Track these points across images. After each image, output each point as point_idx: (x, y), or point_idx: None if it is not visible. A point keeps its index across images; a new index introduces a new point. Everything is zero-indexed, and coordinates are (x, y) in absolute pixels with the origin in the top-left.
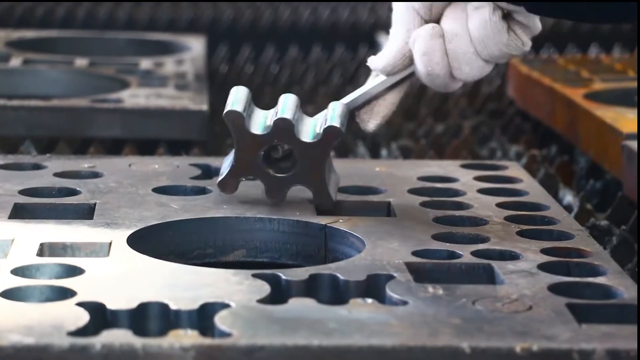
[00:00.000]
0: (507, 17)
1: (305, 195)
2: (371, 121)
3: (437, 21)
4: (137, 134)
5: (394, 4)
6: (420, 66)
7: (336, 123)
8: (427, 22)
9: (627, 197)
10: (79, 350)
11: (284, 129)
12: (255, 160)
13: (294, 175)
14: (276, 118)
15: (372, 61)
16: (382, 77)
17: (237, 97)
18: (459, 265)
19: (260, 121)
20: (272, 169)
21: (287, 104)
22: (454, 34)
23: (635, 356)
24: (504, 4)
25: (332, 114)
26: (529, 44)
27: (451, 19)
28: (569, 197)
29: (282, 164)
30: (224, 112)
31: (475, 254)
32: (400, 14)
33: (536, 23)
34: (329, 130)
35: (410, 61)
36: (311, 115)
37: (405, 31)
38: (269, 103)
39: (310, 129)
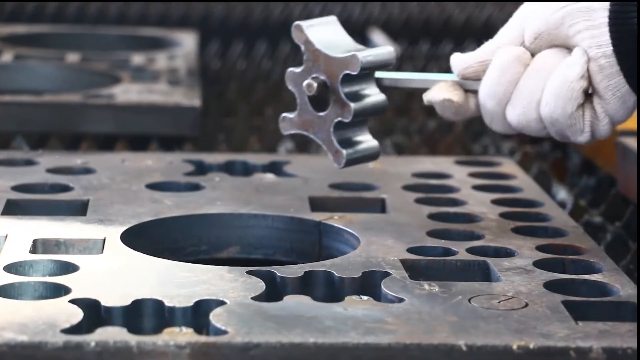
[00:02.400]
0: (589, 95)
1: (301, 192)
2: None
3: (534, 54)
4: (129, 130)
5: (507, 23)
6: (486, 78)
7: (359, 55)
8: (526, 48)
9: (621, 193)
10: (73, 347)
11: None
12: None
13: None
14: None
15: (453, 57)
16: (451, 76)
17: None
18: (455, 262)
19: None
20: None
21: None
22: (535, 72)
23: (632, 354)
24: (597, 79)
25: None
26: (587, 137)
27: (543, 58)
28: (562, 194)
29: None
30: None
31: (470, 250)
32: (506, 29)
33: (607, 126)
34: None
35: (482, 72)
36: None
37: (499, 42)
38: (261, 99)
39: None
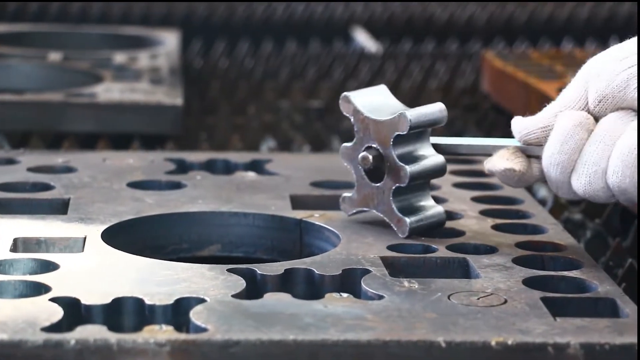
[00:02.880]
0: None
1: (282, 190)
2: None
3: (598, 118)
4: (111, 129)
5: (570, 82)
6: (548, 145)
7: (407, 114)
8: (589, 111)
9: None
10: (53, 346)
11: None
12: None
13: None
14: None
15: (514, 121)
16: (512, 141)
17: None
18: (434, 260)
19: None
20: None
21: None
22: (600, 139)
23: (609, 349)
24: None
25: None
26: None
27: (609, 123)
28: (542, 191)
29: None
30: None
31: (450, 248)
32: (569, 90)
33: None
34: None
35: (545, 138)
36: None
37: (562, 105)
38: (243, 98)
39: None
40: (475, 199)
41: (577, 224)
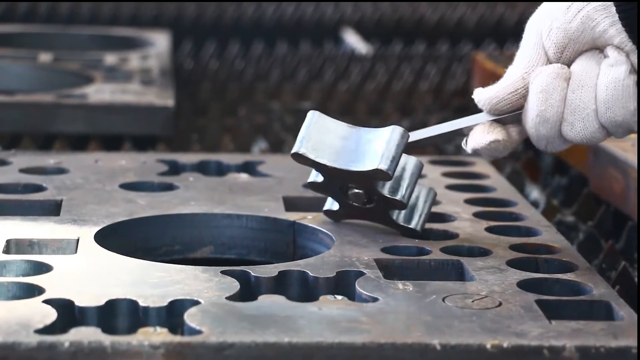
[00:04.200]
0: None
1: (275, 192)
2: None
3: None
4: (102, 130)
5: (522, 43)
6: (532, 105)
7: (383, 166)
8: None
9: (593, 193)
10: (47, 348)
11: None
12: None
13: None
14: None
15: (478, 93)
16: (483, 116)
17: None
18: (428, 262)
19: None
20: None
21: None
22: (580, 84)
23: (605, 352)
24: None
25: (387, 152)
26: None
27: (582, 66)
28: (535, 193)
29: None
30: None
31: (444, 250)
32: (525, 50)
33: None
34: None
35: (520, 101)
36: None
37: (525, 67)
38: (233, 99)
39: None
40: (469, 201)
41: (570, 226)
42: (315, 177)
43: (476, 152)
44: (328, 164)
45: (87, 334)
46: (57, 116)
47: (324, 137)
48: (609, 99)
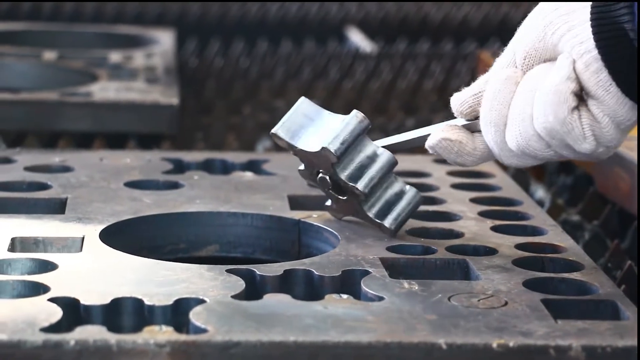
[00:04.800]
0: (581, 98)
1: (280, 191)
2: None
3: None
4: (107, 128)
5: (503, 51)
6: (482, 108)
7: (331, 146)
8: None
9: (599, 192)
10: (53, 346)
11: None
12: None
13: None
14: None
15: (453, 97)
16: (456, 121)
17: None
18: (434, 261)
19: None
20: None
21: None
22: (524, 88)
23: (611, 352)
24: (584, 77)
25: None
26: (591, 144)
27: (533, 72)
28: (540, 192)
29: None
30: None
31: (449, 249)
32: (501, 57)
33: (610, 128)
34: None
35: (478, 104)
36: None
37: (492, 70)
38: (238, 98)
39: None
40: (474, 200)
41: (575, 226)
42: (302, 164)
43: (433, 151)
44: (295, 145)
45: (92, 333)
46: (62, 114)
47: (303, 122)
48: (542, 103)
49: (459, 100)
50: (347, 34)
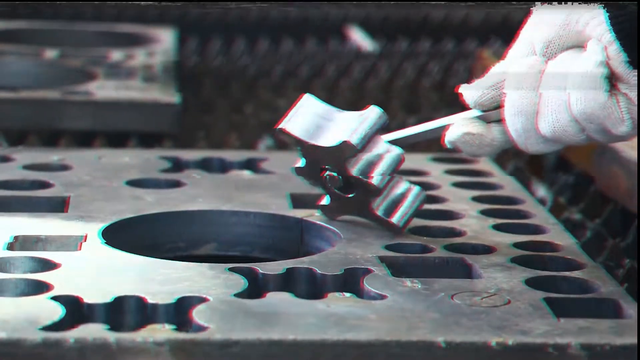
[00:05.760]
0: (613, 81)
1: (281, 189)
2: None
3: None
4: (107, 126)
5: (517, 39)
6: (507, 96)
7: (352, 139)
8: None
9: (600, 191)
10: (52, 344)
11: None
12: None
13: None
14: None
15: (463, 88)
16: (469, 112)
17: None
18: (435, 259)
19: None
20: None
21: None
22: (556, 74)
23: (611, 350)
24: (615, 63)
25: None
26: (629, 126)
27: (559, 59)
28: (541, 191)
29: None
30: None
31: (450, 248)
32: (515, 46)
33: None
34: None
35: (501, 96)
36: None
37: (509, 60)
38: (239, 96)
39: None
40: (476, 199)
41: (577, 224)
42: (301, 162)
43: (453, 146)
44: (305, 140)
45: (92, 331)
46: (62, 113)
47: (310, 118)
48: (578, 89)
49: (476, 92)
50: (348, 33)
